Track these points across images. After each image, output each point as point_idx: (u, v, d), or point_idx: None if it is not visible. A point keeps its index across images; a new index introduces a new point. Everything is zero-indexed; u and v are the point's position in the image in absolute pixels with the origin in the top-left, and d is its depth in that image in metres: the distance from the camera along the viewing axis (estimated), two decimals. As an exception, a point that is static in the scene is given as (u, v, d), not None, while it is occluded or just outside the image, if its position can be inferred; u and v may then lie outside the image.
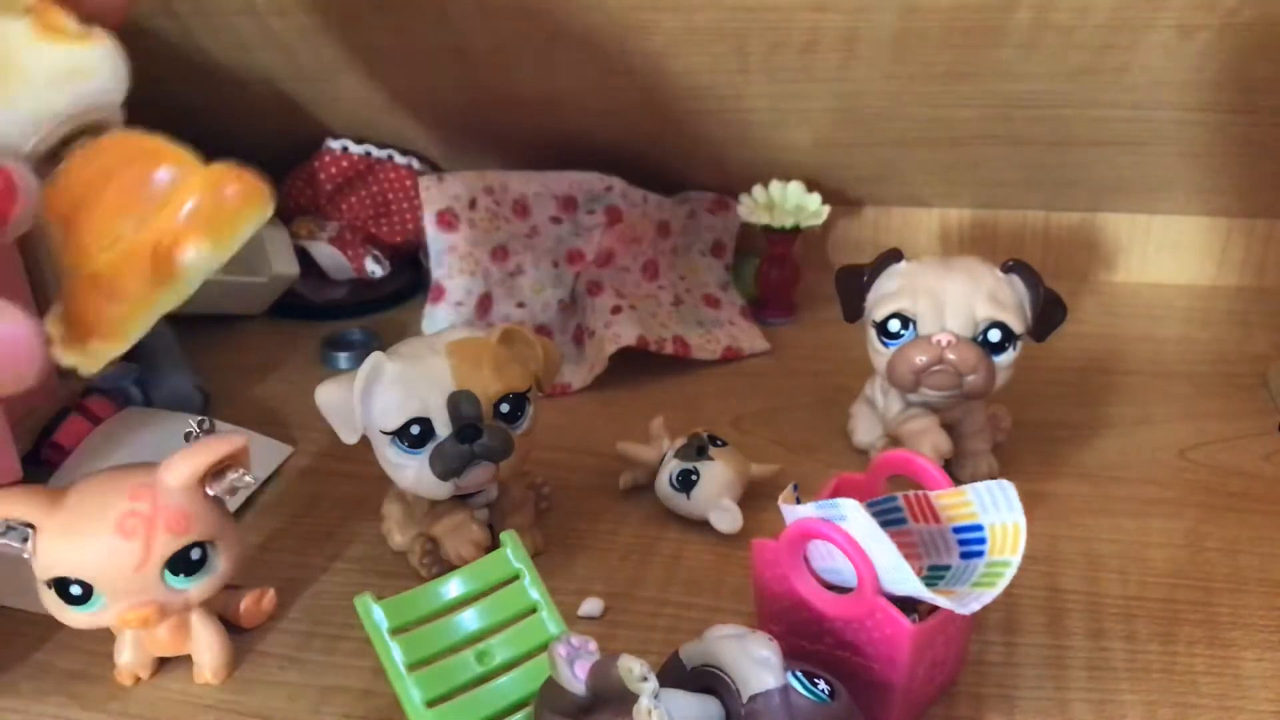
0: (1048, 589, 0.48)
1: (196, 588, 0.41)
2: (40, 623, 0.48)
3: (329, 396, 0.47)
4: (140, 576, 0.40)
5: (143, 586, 0.40)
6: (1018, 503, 0.39)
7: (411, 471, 0.46)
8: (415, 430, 0.45)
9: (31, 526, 0.40)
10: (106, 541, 0.39)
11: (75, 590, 0.40)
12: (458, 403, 0.45)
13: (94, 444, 0.58)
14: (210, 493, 0.41)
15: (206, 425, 0.43)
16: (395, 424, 0.45)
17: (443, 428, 0.46)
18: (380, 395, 0.46)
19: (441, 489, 0.46)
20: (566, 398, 0.66)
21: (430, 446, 0.46)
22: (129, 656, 0.44)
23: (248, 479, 0.41)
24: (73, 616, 0.41)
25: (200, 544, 0.41)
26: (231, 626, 0.46)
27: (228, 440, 0.41)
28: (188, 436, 0.43)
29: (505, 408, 0.46)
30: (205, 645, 0.44)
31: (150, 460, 0.42)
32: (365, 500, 0.55)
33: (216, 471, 0.41)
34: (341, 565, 0.52)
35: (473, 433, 0.45)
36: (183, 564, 0.41)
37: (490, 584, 0.42)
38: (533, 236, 0.76)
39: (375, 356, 0.46)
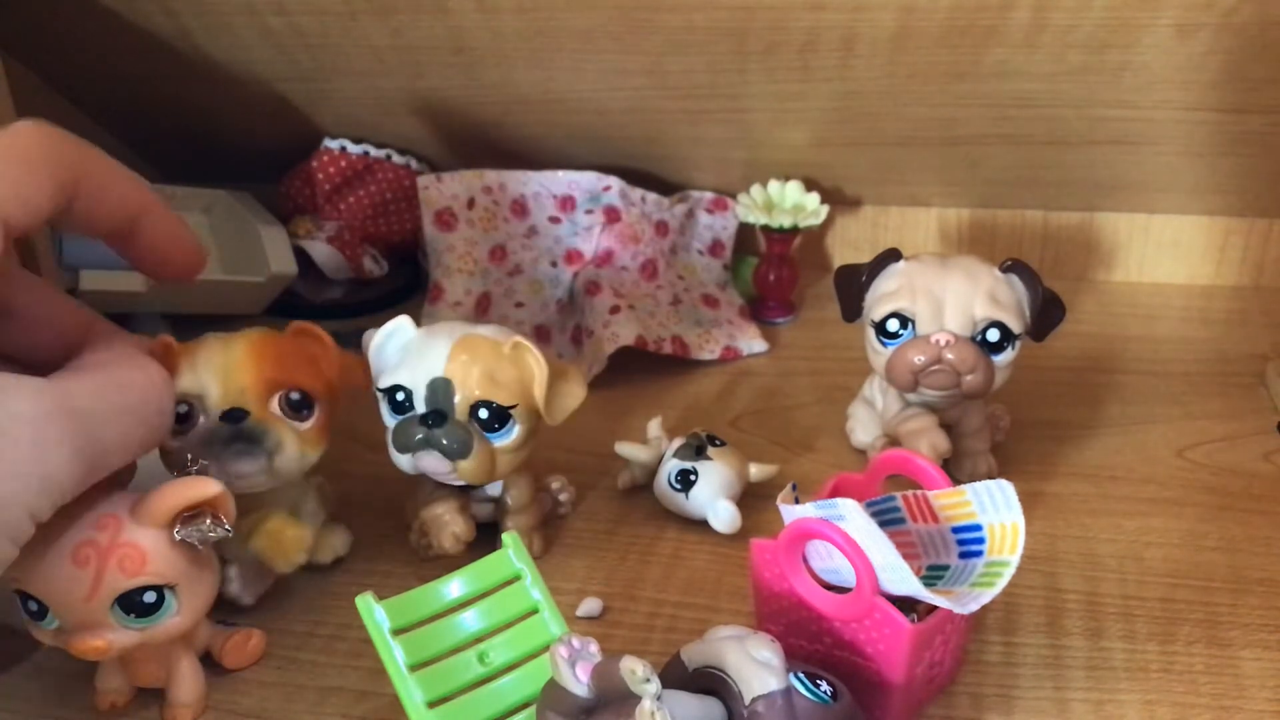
0: (1047, 589, 0.48)
1: (150, 630, 0.39)
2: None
3: (367, 338, 0.50)
4: (89, 608, 0.38)
5: (93, 618, 0.38)
6: (1016, 502, 0.39)
7: (390, 433, 0.48)
8: (399, 397, 0.48)
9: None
10: (61, 565, 0.37)
11: (33, 605, 0.39)
12: (434, 389, 0.47)
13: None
14: (177, 537, 0.39)
15: (199, 465, 0.42)
16: (385, 384, 0.48)
17: (421, 406, 0.47)
18: (388, 353, 0.49)
19: (400, 461, 0.48)
20: (565, 397, 0.66)
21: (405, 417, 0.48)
22: (111, 682, 0.43)
23: (220, 531, 0.39)
24: (36, 630, 0.40)
25: (155, 587, 0.39)
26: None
27: (206, 485, 0.39)
28: (181, 470, 0.42)
29: (483, 414, 0.47)
30: (178, 681, 0.43)
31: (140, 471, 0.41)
32: (362, 500, 0.55)
33: (190, 515, 0.39)
34: (338, 565, 0.51)
35: (436, 420, 0.46)
36: (134, 604, 0.38)
37: (492, 584, 0.42)
38: (531, 236, 0.76)
39: (402, 318, 0.49)
